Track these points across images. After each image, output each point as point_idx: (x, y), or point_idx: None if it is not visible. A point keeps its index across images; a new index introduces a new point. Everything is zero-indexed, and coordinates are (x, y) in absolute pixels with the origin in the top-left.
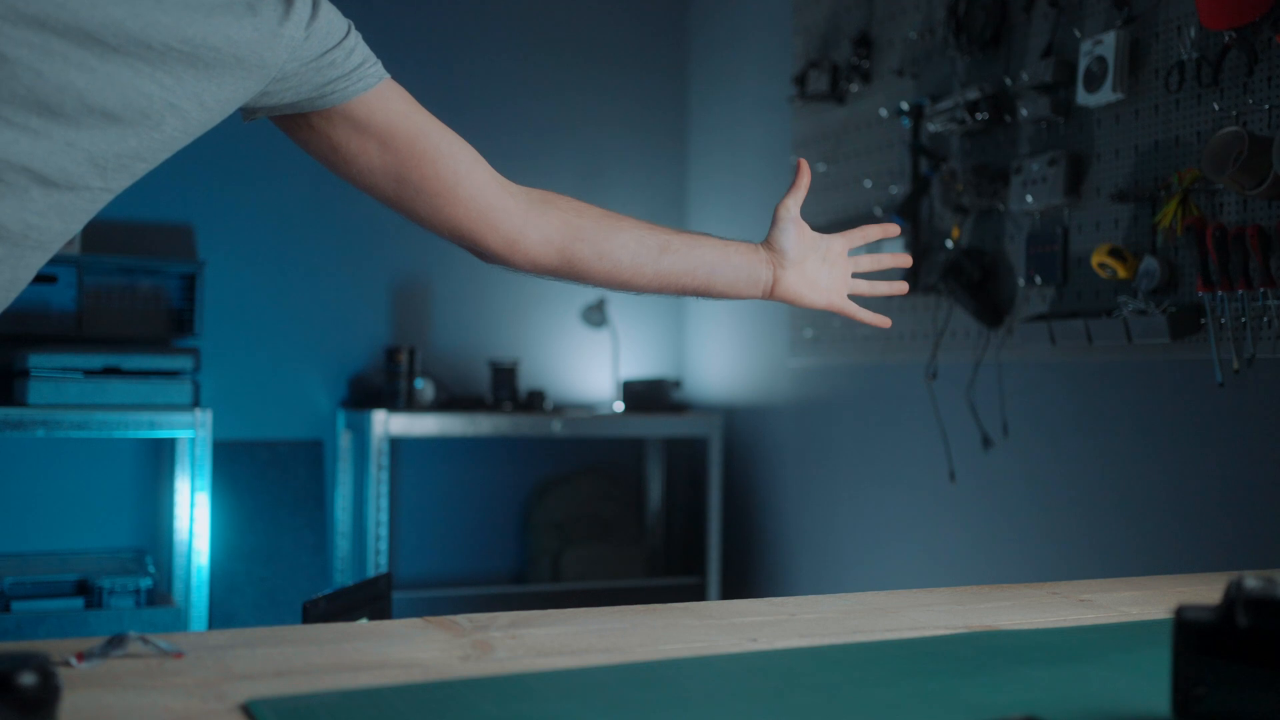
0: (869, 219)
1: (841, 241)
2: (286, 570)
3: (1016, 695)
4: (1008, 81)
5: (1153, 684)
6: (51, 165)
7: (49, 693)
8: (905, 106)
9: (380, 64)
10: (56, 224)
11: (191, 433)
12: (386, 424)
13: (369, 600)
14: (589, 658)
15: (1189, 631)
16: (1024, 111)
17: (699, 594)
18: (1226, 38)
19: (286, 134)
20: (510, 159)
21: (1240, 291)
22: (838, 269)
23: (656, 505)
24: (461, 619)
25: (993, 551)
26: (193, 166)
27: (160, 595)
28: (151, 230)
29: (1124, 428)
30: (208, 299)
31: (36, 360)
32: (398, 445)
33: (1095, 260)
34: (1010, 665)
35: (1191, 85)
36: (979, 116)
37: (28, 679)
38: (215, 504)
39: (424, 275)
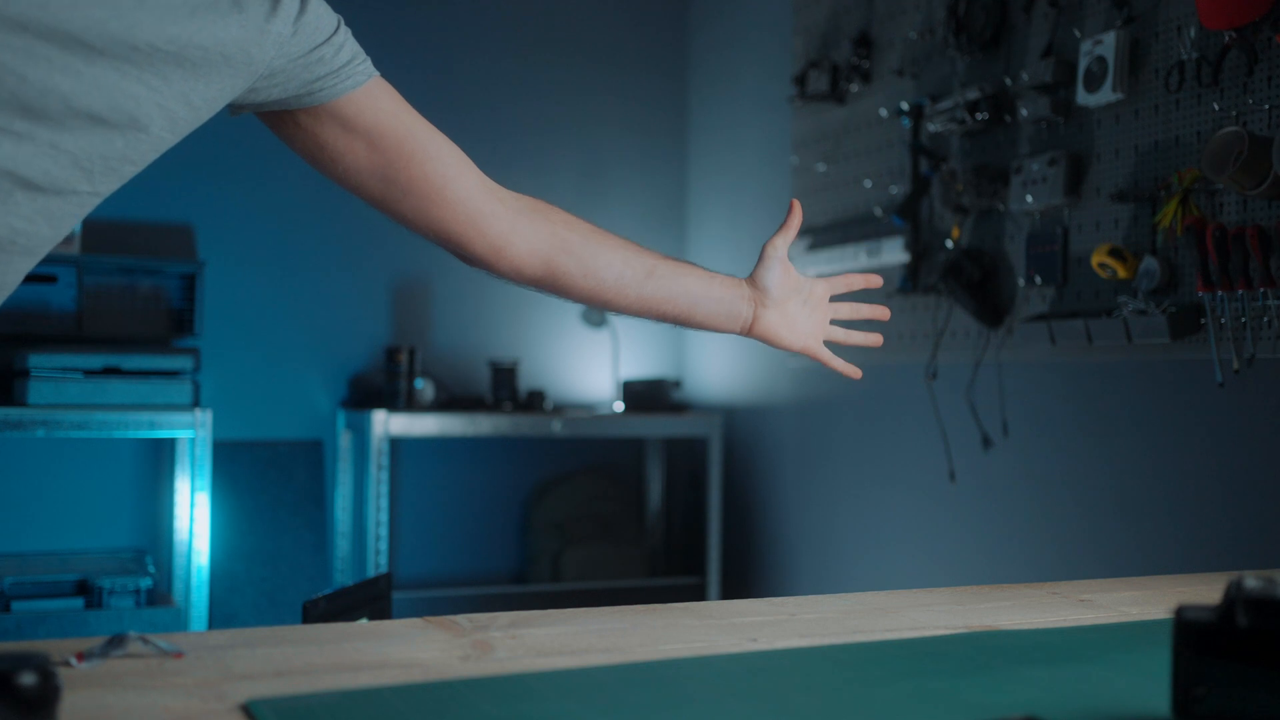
0: (869, 219)
1: (824, 286)
2: (286, 570)
3: (1016, 695)
4: (1008, 81)
5: (1153, 684)
6: (36, 169)
7: (49, 693)
8: (905, 106)
9: (370, 61)
10: (44, 229)
11: (191, 433)
12: (386, 424)
13: (369, 600)
14: (589, 658)
15: (1189, 631)
16: (1024, 111)
17: (699, 594)
18: (1226, 38)
19: (272, 130)
20: (510, 159)
21: (1240, 291)
22: (818, 313)
23: (656, 505)
24: (461, 619)
25: (993, 551)
26: (193, 166)
27: (160, 595)
28: (151, 230)
29: (1124, 428)
30: (208, 299)
31: (36, 360)
32: (398, 445)
33: (1095, 260)
34: (1010, 665)
35: (1191, 85)
36: (979, 116)
37: (28, 679)
38: (215, 504)
39: (424, 275)
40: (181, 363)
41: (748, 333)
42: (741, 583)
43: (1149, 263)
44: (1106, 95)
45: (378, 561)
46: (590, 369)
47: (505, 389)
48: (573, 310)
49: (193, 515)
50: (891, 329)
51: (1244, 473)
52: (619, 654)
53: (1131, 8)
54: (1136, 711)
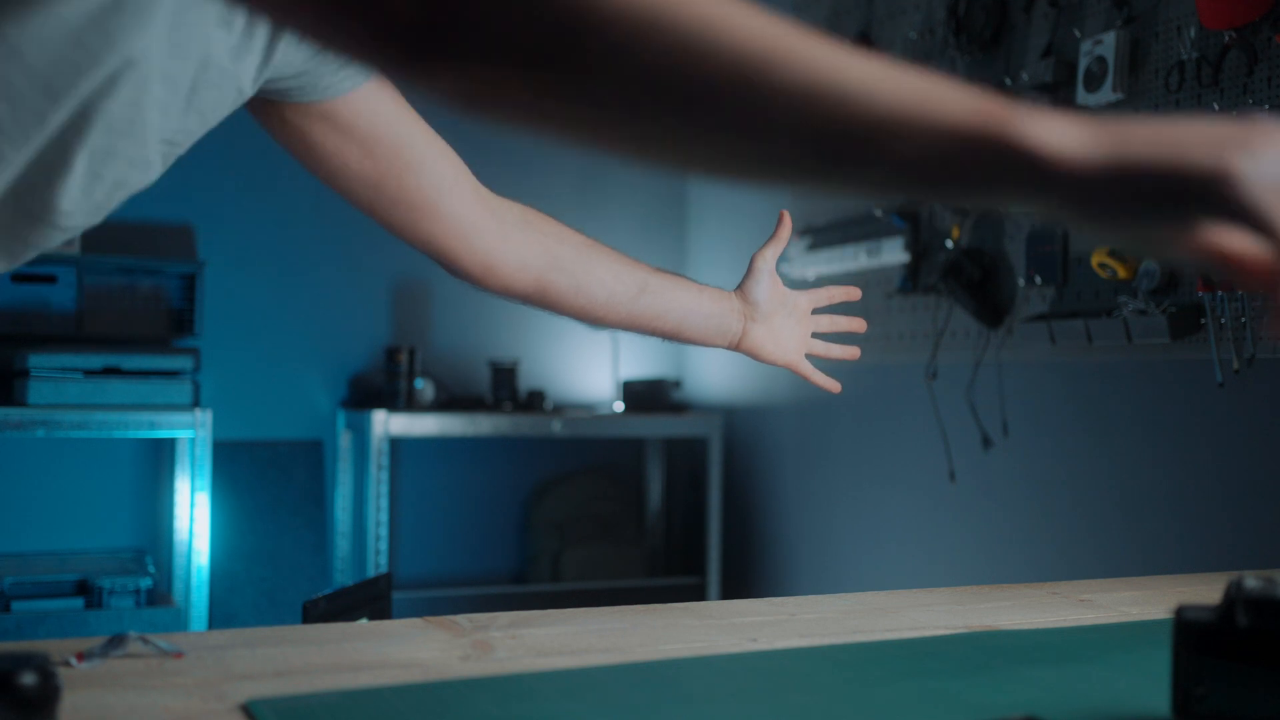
0: (869, 219)
1: (807, 299)
2: (286, 570)
3: (1016, 695)
4: (1008, 81)
5: (1153, 684)
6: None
7: (49, 693)
8: None
9: None
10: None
11: (191, 433)
12: (386, 424)
13: (369, 600)
14: (589, 658)
15: (1189, 631)
16: None
17: (699, 594)
18: (1226, 38)
19: (255, 118)
20: (510, 159)
21: (1240, 291)
22: (801, 327)
23: (656, 505)
24: (461, 619)
25: (993, 551)
26: (193, 166)
27: (160, 595)
28: (151, 230)
29: (1124, 428)
30: (208, 299)
31: (36, 360)
32: (398, 445)
33: (1095, 260)
34: (1010, 665)
35: (1191, 85)
36: None
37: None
38: (215, 504)
39: (424, 275)
40: (181, 363)
41: (735, 347)
42: (741, 583)
43: (1149, 263)
44: (1106, 95)
45: (378, 561)
46: (590, 369)
47: (505, 389)
48: None
49: (193, 515)
50: (891, 329)
51: (1244, 473)
52: (619, 654)
53: (1131, 8)
54: (1136, 711)
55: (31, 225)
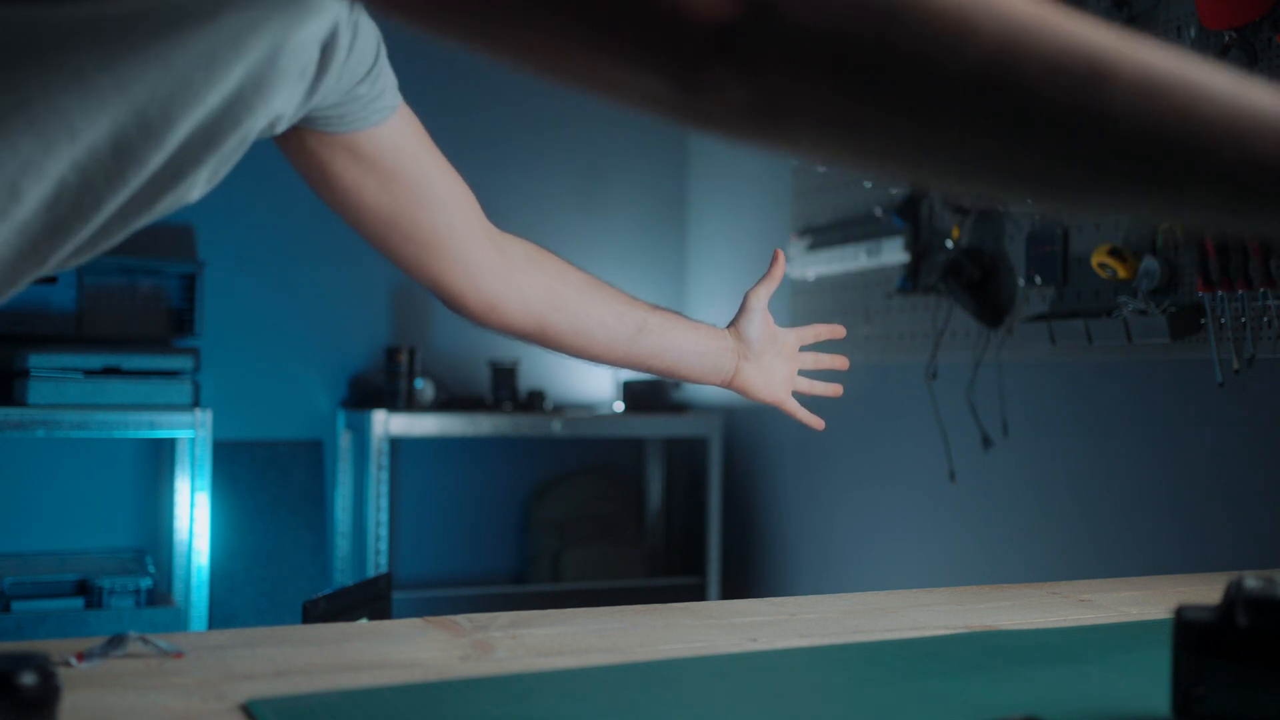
0: (869, 219)
1: (794, 337)
2: (286, 570)
3: (1016, 695)
4: None
5: (1153, 684)
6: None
7: (49, 693)
8: None
9: (396, 85)
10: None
11: (191, 433)
12: (386, 424)
13: (369, 600)
14: (589, 658)
15: (1189, 631)
16: None
17: (699, 594)
18: (1226, 38)
19: (273, 141)
20: (510, 159)
21: (1240, 291)
22: (789, 364)
23: (656, 505)
24: (461, 619)
25: (993, 551)
26: None
27: (160, 595)
28: (151, 230)
29: (1124, 428)
30: (208, 299)
31: (36, 360)
32: (398, 445)
33: (1095, 260)
34: (1010, 665)
35: None
36: None
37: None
38: (215, 504)
39: None
40: (181, 363)
41: (728, 385)
42: (741, 583)
43: (1149, 263)
44: None
45: (378, 561)
46: (590, 369)
47: (505, 389)
48: None
49: (193, 515)
50: (891, 329)
51: (1244, 473)
52: (619, 654)
53: (1131, 8)
54: (1136, 711)
55: (34, 269)
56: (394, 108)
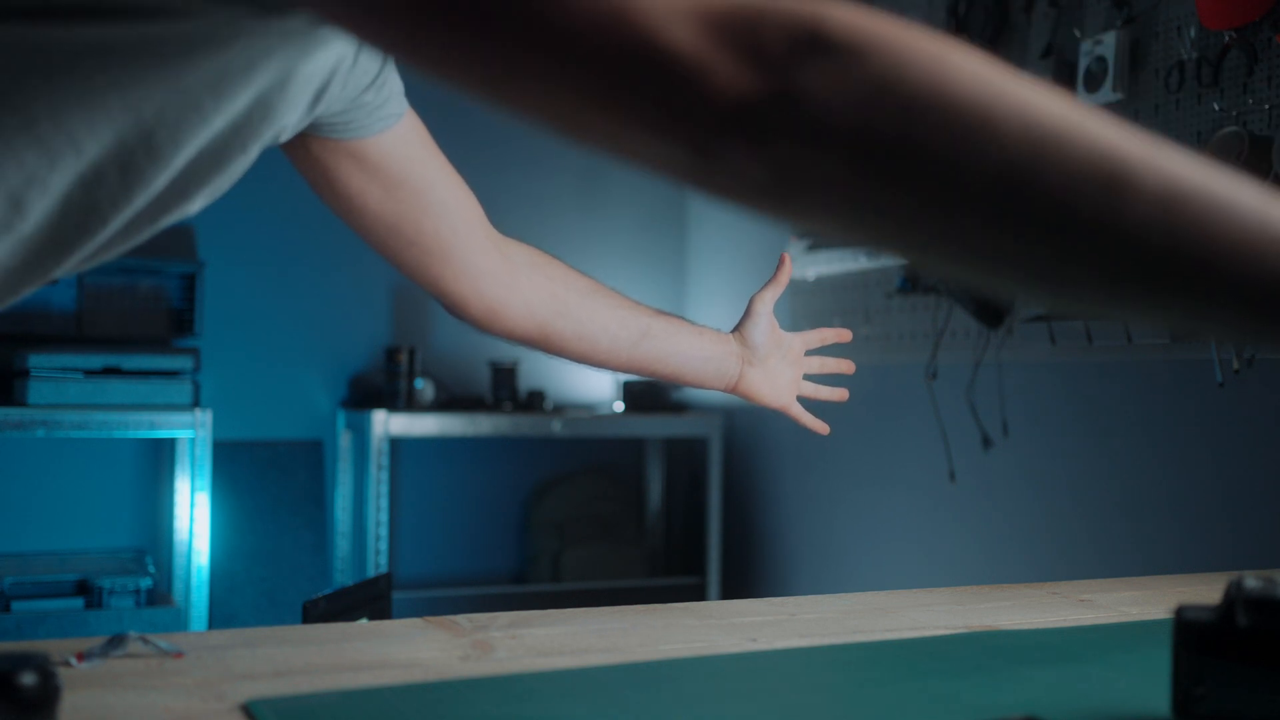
0: None
1: (800, 341)
2: (286, 570)
3: (1016, 695)
4: None
5: (1153, 684)
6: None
7: (49, 693)
8: None
9: (403, 91)
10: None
11: (191, 433)
12: (386, 424)
13: (369, 600)
14: (589, 658)
15: (1189, 631)
16: None
17: (699, 594)
18: (1226, 38)
19: (278, 146)
20: (510, 159)
21: None
22: (794, 369)
23: (656, 505)
24: (461, 619)
25: (993, 551)
26: None
27: (160, 595)
28: (156, 233)
29: (1124, 428)
30: (208, 299)
31: (36, 360)
32: (398, 445)
33: None
34: (1010, 665)
35: (1191, 85)
36: None
37: (28, 679)
38: (215, 504)
39: None
40: (181, 363)
41: (732, 390)
42: (741, 583)
43: None
44: (1106, 95)
45: (378, 561)
46: (592, 370)
47: (505, 389)
48: None
49: (193, 515)
50: (891, 329)
51: (1244, 473)
52: (619, 654)
53: (1131, 8)
54: (1136, 711)
55: (39, 278)
56: (399, 115)
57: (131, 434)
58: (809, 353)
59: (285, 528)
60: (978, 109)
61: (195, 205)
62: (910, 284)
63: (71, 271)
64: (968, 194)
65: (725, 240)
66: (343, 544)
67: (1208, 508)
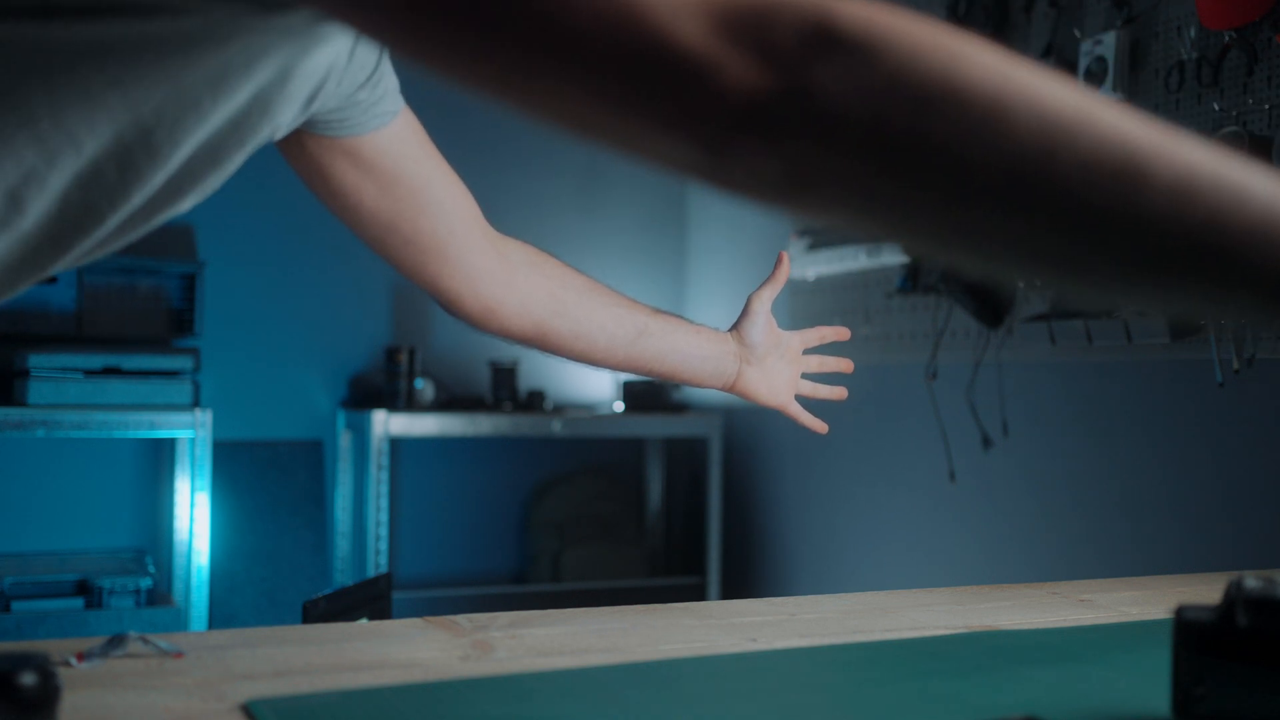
0: None
1: (798, 340)
2: (286, 570)
3: (1016, 695)
4: None
5: (1153, 684)
6: None
7: (49, 693)
8: None
9: (398, 88)
10: None
11: (191, 433)
12: (386, 424)
13: (369, 600)
14: (589, 658)
15: (1189, 631)
16: None
17: (699, 594)
18: (1226, 38)
19: (273, 144)
20: (510, 159)
21: None
22: (792, 368)
23: (656, 505)
24: (461, 619)
25: (993, 551)
26: None
27: (160, 595)
28: (151, 230)
29: (1124, 428)
30: (208, 299)
31: (36, 360)
32: (398, 445)
33: None
34: (1010, 665)
35: (1191, 85)
36: None
37: (28, 679)
38: (215, 504)
39: None
40: (181, 363)
41: (730, 389)
42: (741, 583)
43: None
44: (1106, 95)
45: (378, 561)
46: (590, 369)
47: (505, 389)
48: None
49: (193, 515)
50: (891, 329)
51: (1244, 473)
52: (619, 654)
53: (1131, 8)
54: (1136, 711)
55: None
56: (395, 113)
57: (131, 434)
58: (807, 351)
59: (285, 528)
60: (990, 101)
61: (188, 203)
62: (910, 284)
63: (69, 267)
64: (982, 186)
65: (725, 240)
66: (343, 544)
67: (1208, 508)
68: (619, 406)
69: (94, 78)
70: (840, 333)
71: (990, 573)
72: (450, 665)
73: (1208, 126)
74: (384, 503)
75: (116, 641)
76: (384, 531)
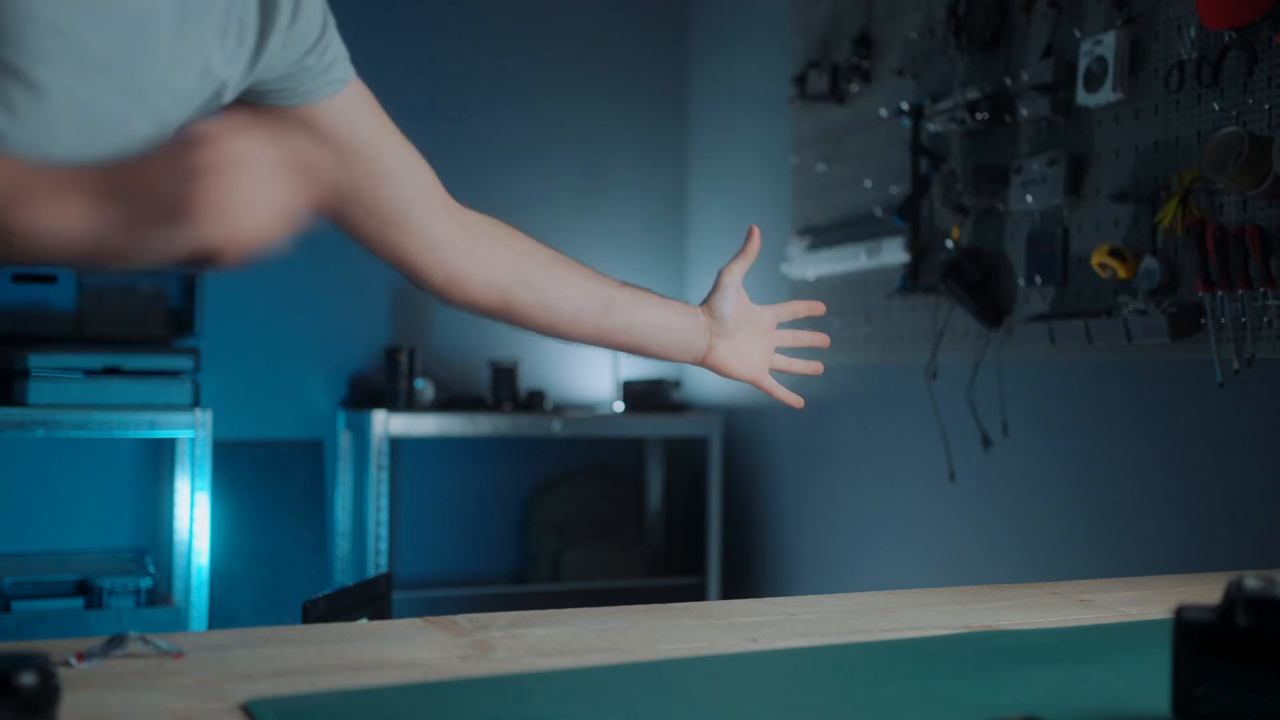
0: (869, 219)
1: (771, 314)
2: (286, 570)
3: (1016, 695)
4: (1008, 81)
5: (1153, 684)
6: None
7: (49, 693)
8: (905, 106)
9: (348, 58)
10: None
11: (191, 433)
12: (386, 424)
13: (369, 600)
14: (589, 658)
15: (1189, 631)
16: (1024, 112)
17: (699, 594)
18: (1226, 38)
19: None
20: (510, 159)
21: (1240, 291)
22: (765, 342)
23: (656, 505)
24: (461, 619)
25: (993, 551)
26: None
27: (160, 595)
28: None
29: (1124, 428)
30: (208, 299)
31: (36, 360)
32: (398, 445)
33: (1095, 260)
34: (1010, 665)
35: (1191, 85)
36: (979, 117)
37: (28, 679)
38: (215, 504)
39: None
40: (181, 363)
41: (700, 363)
42: (741, 583)
43: (1149, 263)
44: (1106, 95)
45: (378, 561)
46: (590, 369)
47: (505, 389)
48: None
49: (193, 515)
50: (891, 329)
51: (1244, 473)
52: (619, 654)
53: (1131, 8)
54: (1136, 711)
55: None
56: (346, 80)
57: (131, 434)
58: (782, 326)
59: (285, 528)
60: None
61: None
62: (910, 284)
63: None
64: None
65: (725, 241)
66: (343, 544)
67: (1208, 508)
68: (619, 406)
69: None
70: (814, 307)
71: (990, 573)
72: (450, 665)
73: (1207, 126)
74: (384, 503)
75: (116, 641)
76: (384, 531)
